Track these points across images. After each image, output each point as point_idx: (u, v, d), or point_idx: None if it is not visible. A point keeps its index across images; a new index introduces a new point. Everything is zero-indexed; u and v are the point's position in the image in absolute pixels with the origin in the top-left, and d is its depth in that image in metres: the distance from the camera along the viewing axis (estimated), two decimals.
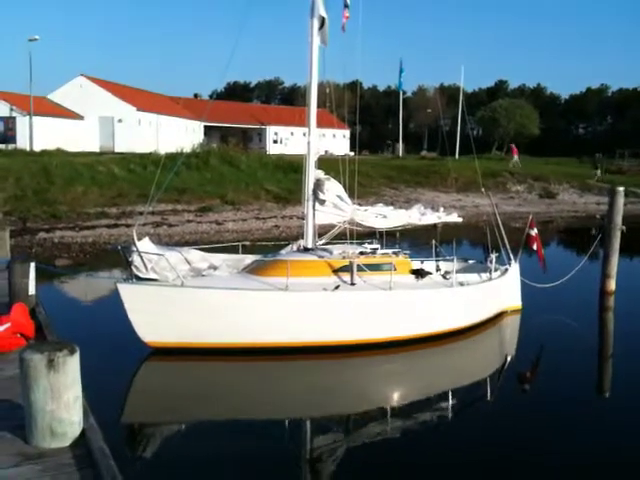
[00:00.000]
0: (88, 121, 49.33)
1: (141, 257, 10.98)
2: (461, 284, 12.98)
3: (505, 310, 14.42)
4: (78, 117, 48.99)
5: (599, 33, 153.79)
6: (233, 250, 13.62)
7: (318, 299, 11.60)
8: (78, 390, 5.68)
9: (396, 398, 10.62)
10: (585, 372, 11.56)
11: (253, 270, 12.19)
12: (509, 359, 12.53)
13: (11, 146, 41.38)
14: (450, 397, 10.14)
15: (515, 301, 14.65)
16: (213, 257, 12.94)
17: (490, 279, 13.65)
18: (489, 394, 10.49)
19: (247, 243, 14.17)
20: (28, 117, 42.25)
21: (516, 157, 51.71)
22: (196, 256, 12.61)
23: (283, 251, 13.35)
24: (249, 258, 13.04)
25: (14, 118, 43.87)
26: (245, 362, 11.42)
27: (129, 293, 10.98)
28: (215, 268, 12.33)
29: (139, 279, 11.10)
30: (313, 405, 10.00)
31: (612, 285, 16.69)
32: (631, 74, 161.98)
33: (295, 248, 13.27)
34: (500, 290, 14.06)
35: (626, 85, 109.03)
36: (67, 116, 48.19)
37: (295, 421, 9.54)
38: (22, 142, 42.38)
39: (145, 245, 11.39)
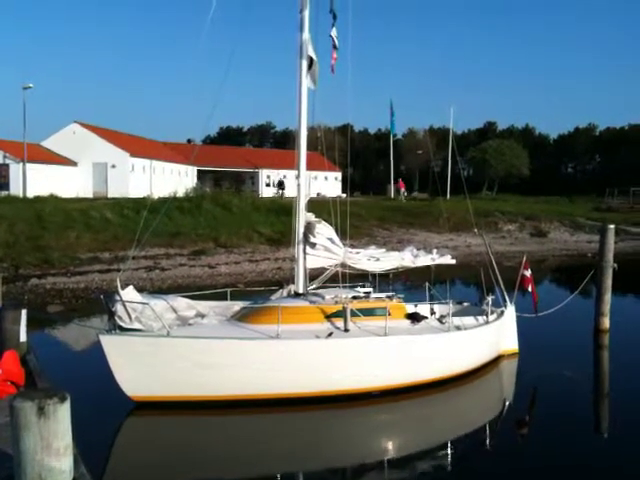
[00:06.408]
0: (82, 167, 49.56)
1: (125, 306, 10.55)
2: (458, 328, 12.61)
3: (502, 354, 14.11)
4: (71, 163, 49.26)
5: (584, 73, 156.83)
6: (221, 296, 13.16)
7: (311, 347, 11.17)
8: (69, 438, 5.58)
9: (393, 448, 10.30)
10: (583, 413, 11.46)
11: (242, 317, 11.70)
12: (507, 404, 12.29)
13: (4, 193, 41.50)
14: (449, 445, 9.91)
15: (512, 344, 14.33)
16: (200, 304, 12.40)
17: (487, 322, 13.28)
18: (488, 441, 10.26)
19: (238, 287, 13.90)
20: (21, 164, 42.48)
21: (403, 190, 56.97)
22: (182, 304, 12.11)
23: (273, 296, 12.98)
24: (238, 304, 12.55)
25: (7, 165, 44.10)
26: (235, 415, 11.00)
27: (111, 344, 10.46)
28: (203, 316, 11.84)
29: (123, 329, 10.59)
30: (307, 458, 9.72)
31: (606, 323, 16.67)
32: (618, 113, 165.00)
33: (285, 293, 12.88)
34: (497, 334, 13.71)
35: (614, 124, 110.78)
36: (60, 162, 48.44)
37: (288, 475, 9.17)
38: (15, 189, 42.48)
39: (129, 294, 10.97)
